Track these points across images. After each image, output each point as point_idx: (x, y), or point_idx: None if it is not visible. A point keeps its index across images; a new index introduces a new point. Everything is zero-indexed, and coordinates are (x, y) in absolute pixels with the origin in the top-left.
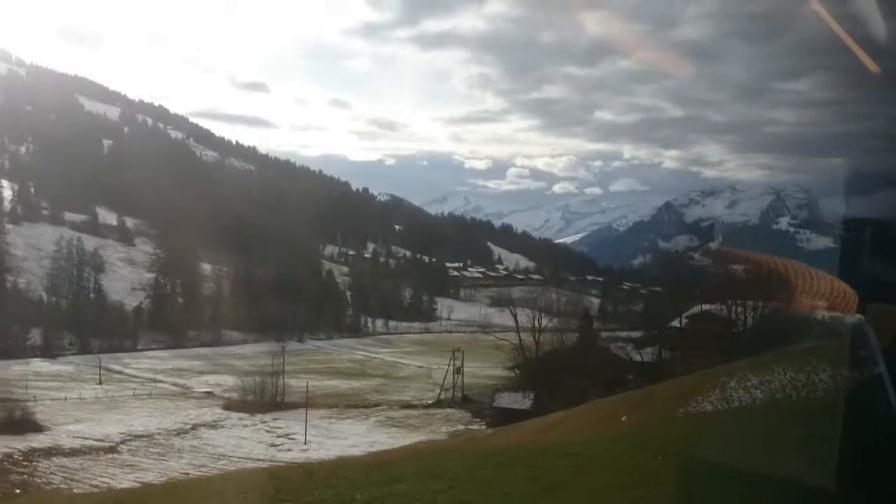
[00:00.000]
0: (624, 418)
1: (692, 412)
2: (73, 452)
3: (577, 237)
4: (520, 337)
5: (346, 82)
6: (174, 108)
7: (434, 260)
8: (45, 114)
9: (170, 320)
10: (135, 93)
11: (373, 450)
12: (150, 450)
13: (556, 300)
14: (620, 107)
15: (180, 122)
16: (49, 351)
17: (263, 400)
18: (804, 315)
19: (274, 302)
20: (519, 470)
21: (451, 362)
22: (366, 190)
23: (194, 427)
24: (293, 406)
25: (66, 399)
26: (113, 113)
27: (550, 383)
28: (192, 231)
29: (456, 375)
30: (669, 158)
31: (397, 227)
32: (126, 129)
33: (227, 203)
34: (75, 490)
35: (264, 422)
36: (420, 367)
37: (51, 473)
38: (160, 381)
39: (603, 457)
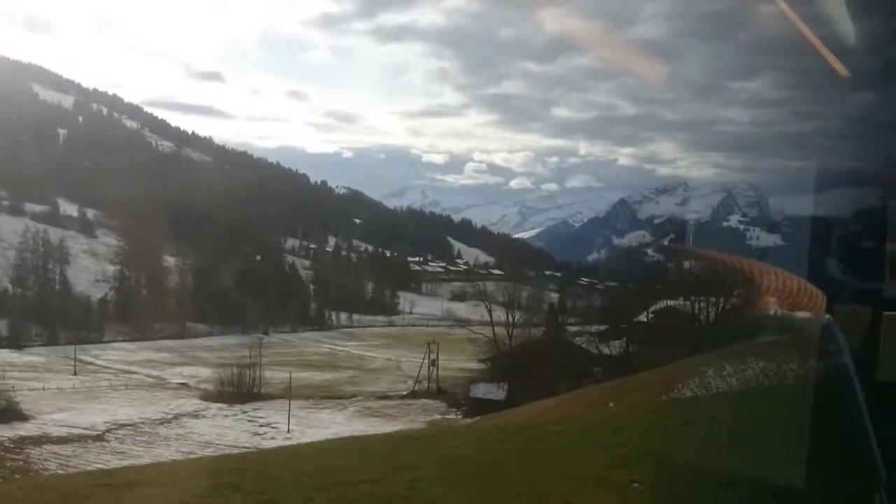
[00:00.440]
0: (612, 404)
1: (675, 398)
2: (62, 440)
3: (533, 232)
4: (494, 330)
5: (304, 74)
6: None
7: (395, 254)
8: None
9: (135, 312)
10: (89, 81)
11: None
12: (137, 438)
13: (520, 295)
14: (577, 104)
15: (135, 111)
16: (16, 342)
17: (241, 391)
18: (761, 312)
19: (238, 295)
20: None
21: (427, 354)
22: (324, 183)
23: (176, 417)
24: (269, 397)
25: (44, 389)
26: (67, 102)
27: (523, 375)
28: (153, 223)
29: (431, 367)
30: (624, 156)
31: (357, 220)
32: (81, 118)
33: (186, 195)
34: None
35: (244, 412)
36: (388, 359)
37: (45, 460)
38: (134, 373)
39: (639, 428)
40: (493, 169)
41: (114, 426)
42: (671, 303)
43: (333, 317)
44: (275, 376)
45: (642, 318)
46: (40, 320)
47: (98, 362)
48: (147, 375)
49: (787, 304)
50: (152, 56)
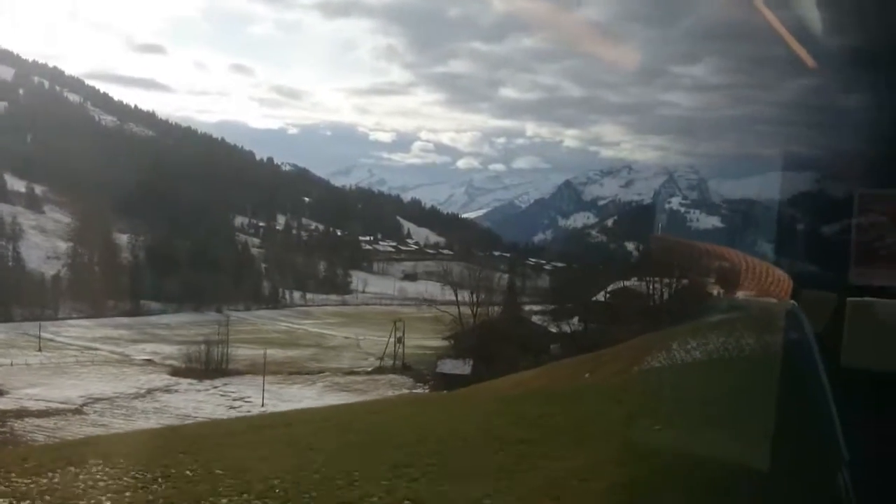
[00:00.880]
0: (587, 375)
1: (645, 369)
2: (42, 414)
3: (480, 212)
4: (459, 309)
5: (248, 48)
6: (69, 69)
7: (346, 233)
8: None
9: (88, 290)
10: (28, 52)
11: None
12: (115, 411)
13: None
14: (524, 85)
15: (76, 84)
16: None
17: (209, 367)
18: (710, 293)
19: (190, 272)
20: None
21: (393, 332)
22: (270, 160)
23: (149, 391)
24: (237, 373)
25: (12, 364)
26: (6, 73)
27: (487, 352)
28: (102, 199)
29: (397, 344)
30: (570, 137)
31: (306, 199)
32: (21, 90)
33: (133, 171)
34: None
35: (215, 387)
36: (347, 337)
37: (30, 432)
38: (96, 349)
39: (627, 392)
40: (440, 148)
41: (89, 400)
42: (627, 283)
43: (287, 295)
44: (238, 353)
45: (600, 297)
46: None
47: (59, 339)
48: (111, 352)
49: (751, 288)
50: (92, 27)
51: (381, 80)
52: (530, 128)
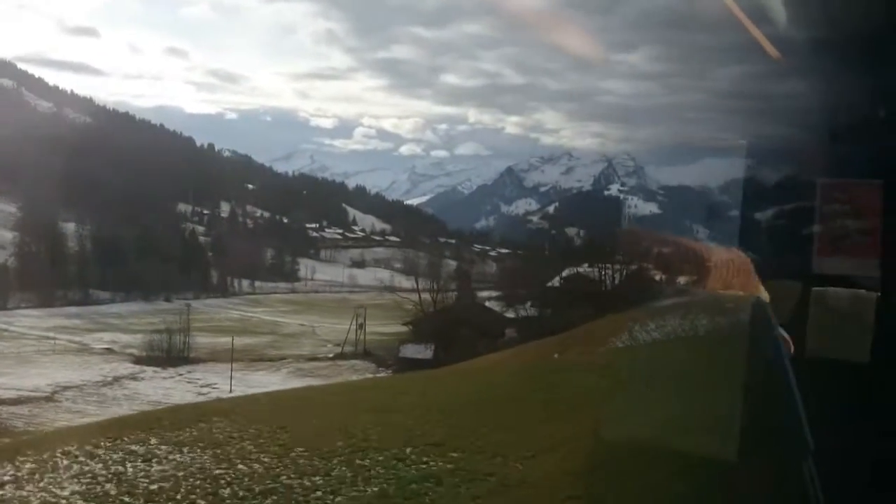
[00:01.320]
0: (556, 355)
1: (611, 349)
2: (15, 402)
3: (423, 199)
4: (420, 296)
5: (184, 30)
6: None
7: (292, 221)
8: None
9: (36, 280)
10: None
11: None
12: (88, 399)
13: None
14: (466, 71)
15: (7, 68)
16: None
17: (171, 355)
18: (655, 278)
19: (137, 261)
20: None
21: (354, 319)
22: (211, 146)
23: (116, 379)
24: (199, 360)
25: None
26: None
27: (447, 337)
28: (46, 188)
29: (359, 331)
30: (511, 124)
31: (250, 186)
32: None
33: (74, 158)
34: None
35: (180, 374)
36: (302, 325)
37: (7, 419)
38: (54, 338)
39: (595, 363)
40: (382, 134)
41: (58, 388)
42: (580, 270)
43: (236, 284)
44: (196, 342)
45: (554, 283)
46: None
47: (13, 328)
48: (69, 341)
49: (731, 283)
50: (21, 9)
51: (322, 64)
52: (472, 114)
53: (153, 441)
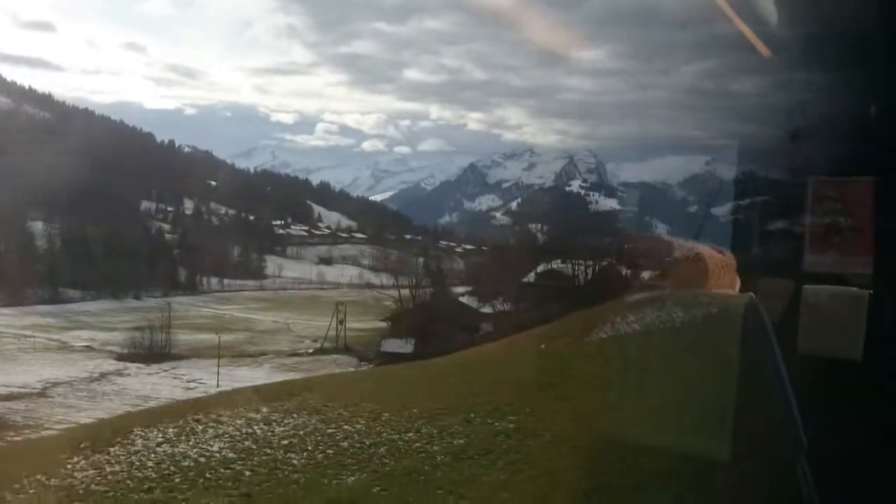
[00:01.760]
0: (543, 346)
1: (594, 339)
2: (9, 398)
3: (387, 195)
4: (399, 292)
5: (141, 25)
6: None
7: (257, 218)
8: None
9: (6, 278)
10: None
11: None
12: (78, 394)
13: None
14: (428, 67)
15: None
16: None
17: (152, 351)
18: (624, 274)
19: (105, 259)
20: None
21: (335, 315)
22: (171, 142)
23: (102, 375)
24: (181, 357)
25: None
26: None
27: (426, 332)
28: (12, 186)
29: (339, 326)
30: (474, 120)
31: (212, 182)
32: None
33: (37, 155)
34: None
35: (164, 370)
36: (275, 321)
37: (5, 415)
38: (32, 336)
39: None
40: (344, 130)
41: (48, 385)
42: (554, 266)
43: (204, 281)
44: (175, 338)
45: (529, 278)
46: None
47: None
48: (48, 339)
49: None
50: None
51: (282, 59)
52: (434, 110)
53: (265, 409)
